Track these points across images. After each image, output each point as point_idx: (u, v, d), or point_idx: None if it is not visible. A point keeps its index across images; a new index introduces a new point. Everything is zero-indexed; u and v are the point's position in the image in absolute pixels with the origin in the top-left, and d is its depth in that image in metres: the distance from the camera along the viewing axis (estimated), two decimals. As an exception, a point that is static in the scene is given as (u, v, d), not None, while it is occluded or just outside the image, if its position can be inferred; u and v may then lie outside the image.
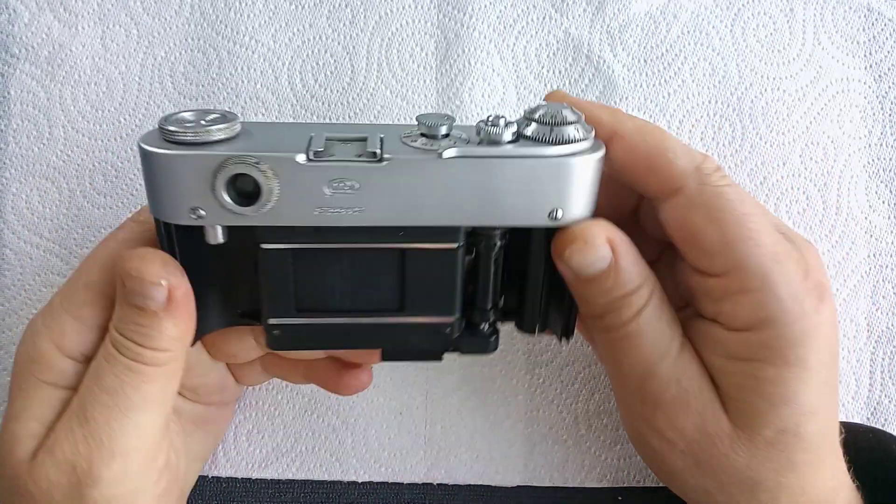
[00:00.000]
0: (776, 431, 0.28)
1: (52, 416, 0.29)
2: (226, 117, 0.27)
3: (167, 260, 0.28)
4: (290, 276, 0.28)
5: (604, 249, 0.28)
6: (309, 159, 0.26)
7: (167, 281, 0.27)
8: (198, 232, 0.28)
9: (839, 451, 0.31)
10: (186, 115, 0.27)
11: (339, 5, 0.42)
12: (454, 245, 0.28)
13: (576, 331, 0.32)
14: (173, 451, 0.32)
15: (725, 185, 0.29)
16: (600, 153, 0.28)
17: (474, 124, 0.28)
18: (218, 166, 0.25)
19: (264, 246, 0.28)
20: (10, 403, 0.30)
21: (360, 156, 0.26)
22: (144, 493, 0.29)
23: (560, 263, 0.29)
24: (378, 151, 0.26)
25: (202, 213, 0.26)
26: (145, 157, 0.26)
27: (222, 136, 0.26)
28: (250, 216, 0.26)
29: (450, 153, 0.26)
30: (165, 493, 0.31)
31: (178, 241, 0.28)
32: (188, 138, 0.25)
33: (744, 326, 0.28)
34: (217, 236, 0.28)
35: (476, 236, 0.29)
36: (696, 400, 0.29)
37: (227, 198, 0.26)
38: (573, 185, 0.27)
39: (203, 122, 0.26)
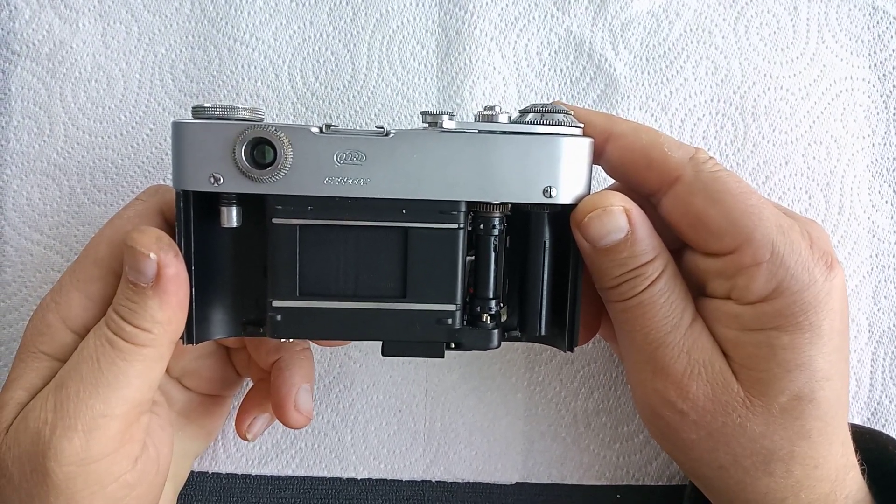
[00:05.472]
0: (791, 397, 0.29)
1: (40, 385, 0.30)
2: (255, 109, 0.30)
3: (162, 237, 0.29)
4: (296, 254, 0.30)
5: (622, 218, 0.29)
6: (322, 131, 0.29)
7: (157, 255, 0.28)
8: (214, 224, 0.30)
9: (848, 431, 0.31)
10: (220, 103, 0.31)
11: (340, 3, 0.42)
12: (455, 226, 0.30)
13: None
14: (153, 445, 0.32)
15: (720, 169, 0.30)
16: (589, 139, 0.30)
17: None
18: (239, 133, 0.28)
19: (275, 221, 0.29)
20: (9, 374, 0.31)
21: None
22: (109, 478, 0.29)
23: (578, 234, 0.30)
24: (385, 126, 0.29)
25: (221, 179, 0.29)
26: (176, 129, 0.29)
27: (247, 116, 0.29)
28: (264, 183, 0.29)
29: (449, 126, 0.29)
30: (141, 485, 0.31)
31: (195, 225, 0.30)
32: (217, 113, 0.29)
33: (758, 298, 0.29)
34: (231, 218, 0.30)
35: (476, 220, 0.31)
36: (707, 370, 0.29)
37: (244, 160, 0.28)
38: (564, 162, 0.29)
39: (233, 106, 0.30)
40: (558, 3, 0.42)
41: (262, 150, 0.29)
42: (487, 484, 0.42)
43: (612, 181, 0.35)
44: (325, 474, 0.42)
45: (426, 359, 0.41)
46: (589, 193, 0.30)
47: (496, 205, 0.30)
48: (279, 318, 0.30)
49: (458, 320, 0.31)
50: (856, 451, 0.32)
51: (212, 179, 0.29)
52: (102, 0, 0.41)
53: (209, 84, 0.42)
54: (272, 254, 0.30)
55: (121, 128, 0.41)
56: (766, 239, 0.28)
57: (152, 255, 0.28)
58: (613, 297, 0.30)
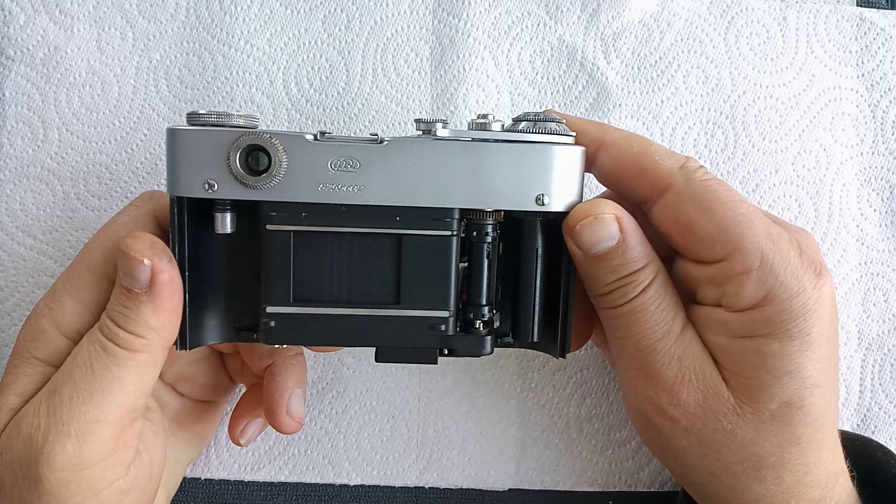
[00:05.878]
0: (781, 404, 0.29)
1: (33, 390, 0.30)
2: (249, 116, 0.30)
3: (156, 242, 0.29)
4: (290, 260, 0.30)
5: (613, 226, 0.29)
6: (316, 138, 0.29)
7: (150, 261, 0.28)
8: (208, 230, 0.30)
9: (837, 438, 0.31)
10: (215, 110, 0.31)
11: (335, 10, 0.42)
12: (448, 233, 0.30)
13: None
14: (147, 450, 0.32)
15: (710, 178, 0.30)
16: (581, 148, 0.31)
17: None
18: (234, 140, 0.28)
19: (269, 227, 0.30)
20: (1, 380, 0.31)
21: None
22: (102, 484, 0.29)
23: (570, 241, 0.30)
24: (379, 134, 0.29)
25: (215, 185, 0.29)
26: (171, 135, 0.29)
27: (241, 123, 0.29)
28: (259, 189, 0.29)
29: (443, 133, 0.29)
30: (134, 491, 0.31)
31: (189, 231, 0.30)
32: (211, 119, 0.29)
33: (748, 306, 0.29)
34: (226, 224, 0.30)
35: (469, 227, 0.31)
36: (697, 376, 0.30)
37: (239, 167, 0.28)
38: (557, 171, 0.30)
39: (227, 113, 0.30)
40: (551, 12, 0.43)
41: (256, 157, 0.29)
42: (480, 490, 0.42)
43: (604, 189, 0.35)
44: (318, 480, 0.42)
45: (419, 365, 0.42)
46: (581, 201, 0.30)
47: (489, 212, 0.31)
48: (273, 324, 0.30)
49: (451, 326, 0.31)
50: (845, 458, 0.32)
51: (206, 186, 0.29)
52: (97, 5, 0.41)
53: (204, 90, 0.42)
54: (266, 260, 0.30)
55: (115, 133, 0.41)
56: (756, 247, 0.29)
57: (146, 261, 0.28)
58: (605, 304, 0.31)
